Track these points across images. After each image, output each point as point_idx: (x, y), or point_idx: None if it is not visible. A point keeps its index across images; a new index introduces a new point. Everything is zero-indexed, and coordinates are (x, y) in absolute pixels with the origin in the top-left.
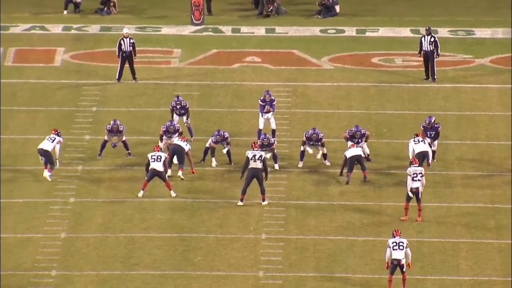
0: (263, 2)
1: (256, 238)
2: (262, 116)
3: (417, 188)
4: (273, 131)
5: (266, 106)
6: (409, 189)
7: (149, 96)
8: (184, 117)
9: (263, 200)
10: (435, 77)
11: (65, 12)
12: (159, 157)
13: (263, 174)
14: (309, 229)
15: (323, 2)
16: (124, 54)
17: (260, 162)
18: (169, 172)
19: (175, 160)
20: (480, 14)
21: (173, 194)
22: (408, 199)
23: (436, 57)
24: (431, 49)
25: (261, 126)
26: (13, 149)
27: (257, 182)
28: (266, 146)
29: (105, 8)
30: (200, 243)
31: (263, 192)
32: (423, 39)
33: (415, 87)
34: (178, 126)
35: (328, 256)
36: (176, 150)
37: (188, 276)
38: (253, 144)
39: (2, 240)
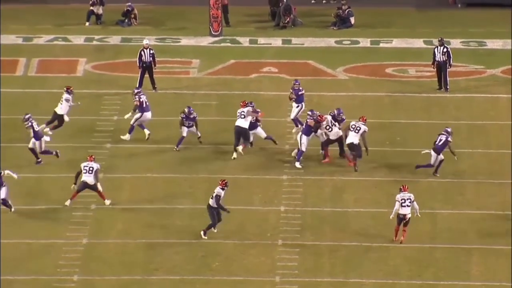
0: (279, 14)
1: (273, 244)
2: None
3: (405, 215)
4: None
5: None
6: (393, 214)
7: (168, 106)
8: (193, 129)
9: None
10: (448, 87)
11: (87, 23)
12: (91, 169)
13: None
14: (324, 235)
15: (338, 13)
16: (144, 65)
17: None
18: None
19: None
20: (491, 25)
21: (107, 202)
22: (399, 222)
23: (448, 68)
24: (444, 59)
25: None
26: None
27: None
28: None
29: (126, 20)
30: (218, 249)
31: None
32: (436, 50)
33: (428, 96)
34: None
35: (343, 262)
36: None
37: (206, 281)
38: (241, 103)
39: (26, 246)
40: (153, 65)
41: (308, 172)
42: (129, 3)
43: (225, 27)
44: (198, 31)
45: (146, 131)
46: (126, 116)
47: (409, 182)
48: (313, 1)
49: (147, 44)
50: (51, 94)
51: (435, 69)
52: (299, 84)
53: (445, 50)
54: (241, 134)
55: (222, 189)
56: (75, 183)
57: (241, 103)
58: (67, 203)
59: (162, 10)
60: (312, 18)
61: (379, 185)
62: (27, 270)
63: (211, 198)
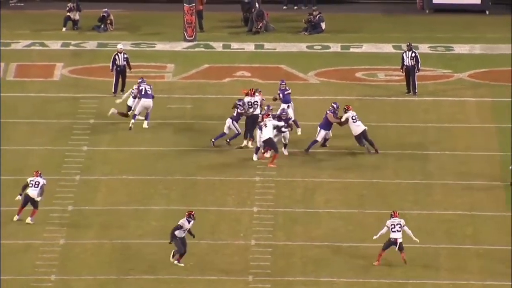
0: (252, 19)
1: (246, 244)
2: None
3: (396, 239)
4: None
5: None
6: (378, 236)
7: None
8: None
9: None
10: (416, 91)
11: (63, 29)
12: (36, 183)
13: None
14: (296, 236)
15: (309, 19)
16: (118, 68)
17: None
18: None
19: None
20: (458, 30)
21: (29, 219)
22: (386, 247)
23: (417, 72)
24: (412, 64)
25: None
26: (14, 159)
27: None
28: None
29: (102, 25)
30: (193, 249)
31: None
32: (404, 54)
33: (397, 100)
34: None
35: (314, 261)
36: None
37: (180, 280)
38: (249, 91)
39: (3, 247)
40: (127, 69)
41: (280, 173)
42: (105, 9)
43: (199, 33)
44: (173, 37)
45: (145, 123)
46: (117, 101)
47: (377, 183)
48: (284, 7)
49: (121, 48)
50: (28, 98)
51: (404, 73)
52: (285, 84)
53: (413, 55)
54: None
55: (188, 221)
56: (20, 194)
57: (249, 91)
58: (15, 218)
59: (138, 16)
60: (284, 23)
61: (349, 187)
62: (5, 270)
63: (175, 228)
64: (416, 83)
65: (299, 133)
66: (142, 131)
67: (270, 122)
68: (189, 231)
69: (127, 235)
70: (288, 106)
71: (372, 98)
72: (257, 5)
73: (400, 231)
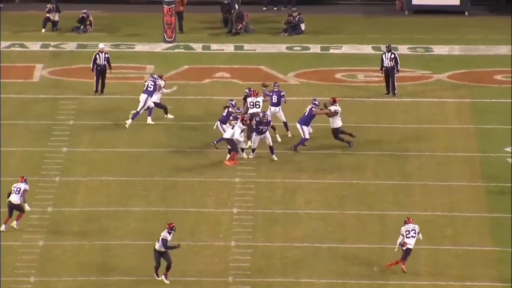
0: (232, 20)
1: (226, 245)
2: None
3: (406, 244)
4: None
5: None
6: (397, 247)
7: (123, 110)
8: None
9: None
10: (396, 91)
11: (43, 30)
12: (18, 189)
13: None
14: (276, 237)
15: (289, 20)
16: (98, 68)
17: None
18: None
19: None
20: (438, 32)
21: (14, 224)
22: (403, 258)
23: (396, 73)
24: (392, 65)
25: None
26: None
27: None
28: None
29: (82, 27)
30: (173, 250)
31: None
32: (384, 56)
33: (376, 101)
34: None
35: (294, 262)
36: None
37: (161, 282)
38: (252, 92)
39: None
40: (107, 69)
41: (260, 175)
42: (85, 10)
43: (178, 34)
44: (152, 38)
45: (149, 119)
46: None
47: (357, 184)
48: (264, 8)
49: (102, 48)
50: (8, 99)
51: (383, 74)
52: (278, 86)
53: (392, 56)
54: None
55: (169, 233)
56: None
57: (252, 92)
58: (2, 228)
59: (117, 17)
60: (264, 24)
61: (329, 188)
62: None
63: (157, 241)
64: (396, 84)
65: (289, 135)
66: (121, 133)
67: (238, 126)
68: (171, 247)
69: (106, 236)
70: (279, 109)
71: (351, 99)
72: (236, 6)
73: (414, 237)
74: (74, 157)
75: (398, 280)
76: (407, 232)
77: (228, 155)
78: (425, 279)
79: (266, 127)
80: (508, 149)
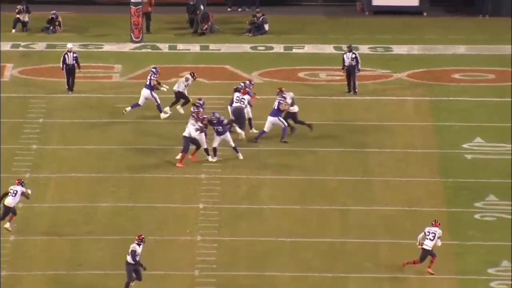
0: (197, 21)
1: (192, 240)
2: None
3: (422, 243)
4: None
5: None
6: (418, 240)
7: (92, 108)
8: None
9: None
10: (356, 90)
11: (13, 30)
12: (14, 192)
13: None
14: (241, 231)
15: (253, 21)
16: (67, 67)
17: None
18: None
19: None
20: (397, 32)
21: (8, 226)
22: (421, 259)
23: (357, 72)
24: (353, 64)
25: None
26: None
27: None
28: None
29: (51, 27)
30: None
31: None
32: (345, 55)
33: (338, 99)
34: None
35: (259, 256)
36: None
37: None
38: (243, 88)
39: None
40: (76, 68)
41: (225, 171)
42: (54, 11)
43: (145, 34)
44: (120, 38)
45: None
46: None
47: (319, 180)
48: (229, 9)
49: (71, 47)
50: None
51: (345, 73)
52: (253, 85)
53: (353, 56)
54: (239, 115)
55: (138, 244)
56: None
57: (242, 91)
58: (8, 225)
59: (85, 18)
60: (229, 25)
61: (292, 184)
62: None
63: (128, 254)
64: (357, 83)
65: (242, 137)
66: (90, 131)
67: (193, 126)
68: (139, 263)
69: (76, 231)
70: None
71: (314, 98)
72: (202, 7)
73: (432, 240)
74: (44, 154)
75: (359, 273)
76: (428, 233)
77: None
78: (385, 272)
79: (221, 127)
80: (465, 145)
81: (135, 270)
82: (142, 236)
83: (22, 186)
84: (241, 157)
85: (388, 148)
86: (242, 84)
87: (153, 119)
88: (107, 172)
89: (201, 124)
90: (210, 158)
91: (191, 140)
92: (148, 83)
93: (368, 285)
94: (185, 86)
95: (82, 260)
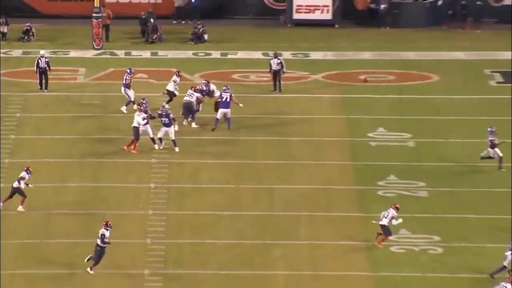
0: (148, 32)
1: (145, 214)
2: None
3: (381, 221)
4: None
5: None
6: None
7: (60, 105)
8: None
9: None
10: (281, 89)
11: None
12: (21, 178)
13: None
14: (185, 206)
15: (194, 32)
16: (40, 70)
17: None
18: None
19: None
20: (314, 41)
21: (20, 208)
22: (385, 233)
23: (282, 74)
24: (278, 68)
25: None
26: None
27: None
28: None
29: (26, 37)
30: (103, 217)
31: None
32: (272, 61)
33: (266, 96)
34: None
35: (201, 227)
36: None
37: (92, 244)
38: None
39: None
40: (48, 70)
41: (172, 156)
42: (28, 24)
43: (105, 42)
44: (84, 46)
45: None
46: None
47: (250, 164)
48: (174, 22)
49: (43, 53)
50: None
51: (271, 75)
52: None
53: (279, 61)
54: (189, 108)
55: (106, 229)
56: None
57: (193, 88)
58: (21, 208)
59: (55, 29)
60: (174, 35)
61: (228, 167)
62: None
63: (98, 237)
64: (281, 83)
65: (176, 128)
66: (59, 124)
67: (139, 116)
68: (106, 243)
69: (48, 207)
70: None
71: (245, 95)
72: (152, 20)
73: (386, 217)
74: (21, 143)
75: (284, 241)
76: (386, 214)
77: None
78: (305, 240)
79: (167, 119)
80: (370, 134)
81: (101, 251)
82: (109, 222)
83: (27, 172)
84: (177, 149)
85: (307, 137)
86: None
87: (112, 114)
88: (74, 157)
89: (145, 115)
90: (156, 147)
91: (137, 130)
92: (124, 82)
93: (290, 250)
94: (175, 85)
95: (53, 230)
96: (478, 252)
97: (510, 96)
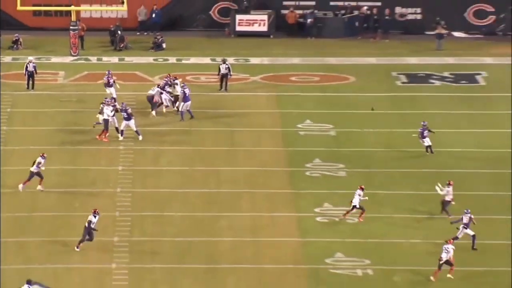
0: (116, 41)
1: (114, 192)
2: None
3: (353, 201)
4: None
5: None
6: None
7: (43, 102)
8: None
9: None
10: (227, 88)
11: None
12: (37, 163)
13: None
14: (148, 185)
15: (155, 41)
16: (28, 73)
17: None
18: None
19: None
20: (253, 48)
21: (39, 187)
22: (355, 207)
23: (229, 76)
24: (226, 72)
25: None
26: None
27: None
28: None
29: (15, 46)
30: (76, 196)
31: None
32: (220, 66)
33: (214, 95)
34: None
35: (161, 202)
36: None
37: (72, 217)
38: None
39: None
40: (35, 73)
41: (136, 144)
42: (17, 35)
43: (81, 50)
44: (63, 53)
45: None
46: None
47: (200, 150)
48: (138, 33)
49: (31, 59)
50: None
51: (220, 77)
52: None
53: (227, 66)
54: (150, 101)
55: (94, 216)
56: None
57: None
58: (20, 187)
59: (39, 39)
60: (138, 44)
61: (184, 152)
62: None
63: (86, 223)
64: (228, 83)
65: (134, 128)
66: (43, 118)
67: (108, 109)
68: (93, 229)
69: (34, 186)
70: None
71: (197, 93)
72: (119, 32)
73: (359, 196)
74: (11, 133)
75: (228, 213)
76: (357, 194)
77: (121, 136)
78: (246, 212)
79: (126, 114)
80: (299, 125)
81: (89, 233)
82: (97, 210)
83: (42, 157)
84: (140, 138)
85: (248, 127)
86: (166, 79)
87: (87, 109)
88: (55, 145)
89: (112, 107)
90: (120, 137)
91: (107, 122)
92: (105, 82)
93: (234, 220)
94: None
95: (38, 205)
96: (388, 222)
97: (413, 94)
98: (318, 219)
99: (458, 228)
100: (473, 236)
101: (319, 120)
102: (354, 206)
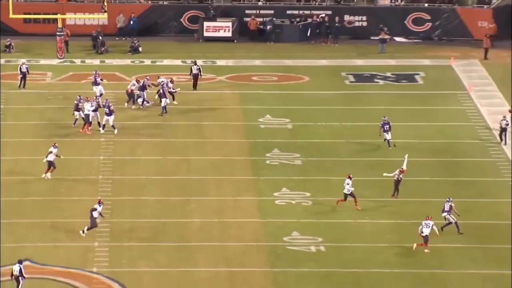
0: (98, 45)
1: (96, 179)
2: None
3: (345, 191)
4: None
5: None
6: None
7: (33, 99)
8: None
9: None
10: (197, 87)
11: None
12: (50, 151)
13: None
14: (126, 172)
15: (132, 45)
16: (22, 73)
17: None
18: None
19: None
20: (219, 52)
21: (48, 175)
22: (349, 197)
23: (200, 77)
24: (197, 72)
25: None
26: None
27: None
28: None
29: (7, 49)
30: (62, 183)
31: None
32: (192, 67)
33: (186, 93)
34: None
35: (137, 187)
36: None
37: (59, 201)
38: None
39: None
40: (27, 74)
41: (117, 136)
42: (9, 39)
43: (66, 53)
44: (51, 56)
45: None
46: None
47: (173, 142)
48: (117, 38)
49: (24, 62)
50: None
51: (191, 77)
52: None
53: (197, 67)
54: (130, 95)
55: (99, 205)
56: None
57: (136, 80)
58: (43, 175)
59: (29, 44)
60: (117, 47)
61: (158, 144)
62: None
63: (91, 210)
64: (198, 83)
65: (111, 123)
66: (34, 114)
67: (88, 105)
68: (100, 214)
69: (24, 173)
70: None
71: (172, 91)
72: (100, 37)
73: (348, 185)
74: (5, 127)
75: (198, 197)
76: (346, 183)
77: (102, 129)
78: (213, 196)
79: (108, 110)
80: (260, 119)
81: (94, 219)
82: (101, 200)
83: (55, 147)
84: (116, 132)
85: (215, 121)
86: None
87: (71, 105)
88: (44, 137)
89: (92, 103)
90: (101, 130)
91: (88, 116)
92: (93, 80)
93: (203, 203)
94: (171, 87)
95: (29, 191)
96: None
97: (360, 92)
98: (276, 202)
99: (445, 218)
100: (455, 222)
101: (277, 115)
102: (347, 195)
